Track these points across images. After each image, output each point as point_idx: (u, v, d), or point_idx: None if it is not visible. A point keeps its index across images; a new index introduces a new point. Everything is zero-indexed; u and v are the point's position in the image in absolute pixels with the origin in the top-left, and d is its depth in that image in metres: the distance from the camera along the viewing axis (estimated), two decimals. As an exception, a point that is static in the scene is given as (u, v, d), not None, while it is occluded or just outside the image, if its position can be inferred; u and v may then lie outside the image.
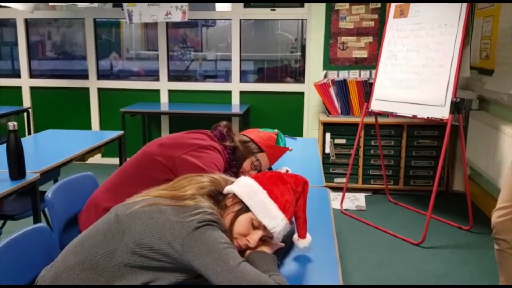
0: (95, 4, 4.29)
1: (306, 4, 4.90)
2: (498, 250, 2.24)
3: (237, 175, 2.08)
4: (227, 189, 1.41)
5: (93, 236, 1.33)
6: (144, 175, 1.89)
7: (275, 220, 1.35)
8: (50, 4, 4.31)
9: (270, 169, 2.23)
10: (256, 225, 1.36)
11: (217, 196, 1.40)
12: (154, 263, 1.25)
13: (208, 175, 1.46)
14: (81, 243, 1.34)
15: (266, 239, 1.39)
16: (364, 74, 4.70)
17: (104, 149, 3.37)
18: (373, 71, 4.17)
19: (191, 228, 1.23)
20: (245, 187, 1.40)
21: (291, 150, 2.29)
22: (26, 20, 5.35)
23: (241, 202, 1.37)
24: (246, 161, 2.10)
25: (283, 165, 2.24)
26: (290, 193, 1.40)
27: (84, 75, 5.41)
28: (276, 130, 2.24)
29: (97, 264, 1.27)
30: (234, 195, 1.39)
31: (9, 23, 5.46)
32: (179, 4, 4.38)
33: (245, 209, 1.36)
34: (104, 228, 1.32)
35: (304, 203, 1.46)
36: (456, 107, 3.20)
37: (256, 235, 1.36)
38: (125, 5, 4.43)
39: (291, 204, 1.40)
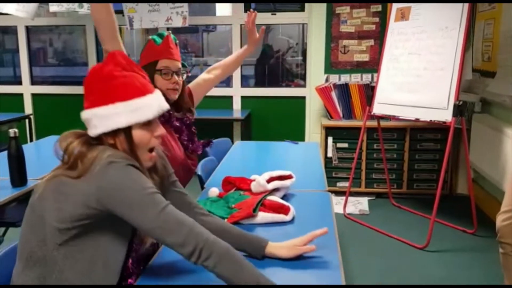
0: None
1: (306, 8, 4.90)
2: (503, 253, 2.22)
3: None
4: (94, 133, 1.30)
5: (22, 233, 1.32)
6: None
7: (150, 107, 1.31)
8: (51, 10, 4.31)
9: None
10: (148, 124, 1.32)
11: (95, 142, 1.31)
12: (84, 229, 1.23)
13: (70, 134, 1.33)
14: (18, 245, 1.34)
15: None
16: (366, 78, 4.69)
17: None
18: (375, 75, 4.17)
19: (98, 181, 1.20)
20: (100, 119, 1.28)
21: (170, 32, 2.13)
22: (27, 27, 5.36)
23: (115, 131, 1.28)
24: (157, 82, 2.03)
25: (287, 169, 2.20)
26: (127, 71, 1.31)
27: (85, 82, 5.41)
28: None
29: (38, 256, 1.26)
30: (106, 134, 1.29)
31: (11, 30, 5.48)
32: (179, 10, 4.39)
33: (125, 129, 1.29)
34: (26, 221, 1.31)
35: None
36: (459, 110, 3.18)
37: (157, 130, 1.36)
38: (125, 11, 4.44)
39: (137, 73, 1.33)
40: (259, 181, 1.98)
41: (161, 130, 1.36)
